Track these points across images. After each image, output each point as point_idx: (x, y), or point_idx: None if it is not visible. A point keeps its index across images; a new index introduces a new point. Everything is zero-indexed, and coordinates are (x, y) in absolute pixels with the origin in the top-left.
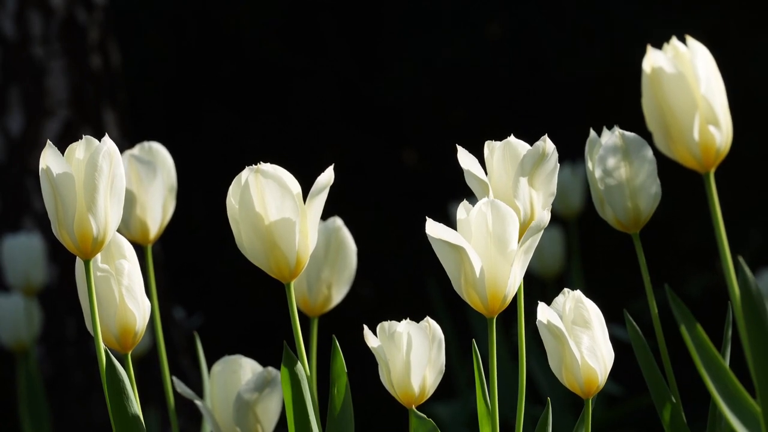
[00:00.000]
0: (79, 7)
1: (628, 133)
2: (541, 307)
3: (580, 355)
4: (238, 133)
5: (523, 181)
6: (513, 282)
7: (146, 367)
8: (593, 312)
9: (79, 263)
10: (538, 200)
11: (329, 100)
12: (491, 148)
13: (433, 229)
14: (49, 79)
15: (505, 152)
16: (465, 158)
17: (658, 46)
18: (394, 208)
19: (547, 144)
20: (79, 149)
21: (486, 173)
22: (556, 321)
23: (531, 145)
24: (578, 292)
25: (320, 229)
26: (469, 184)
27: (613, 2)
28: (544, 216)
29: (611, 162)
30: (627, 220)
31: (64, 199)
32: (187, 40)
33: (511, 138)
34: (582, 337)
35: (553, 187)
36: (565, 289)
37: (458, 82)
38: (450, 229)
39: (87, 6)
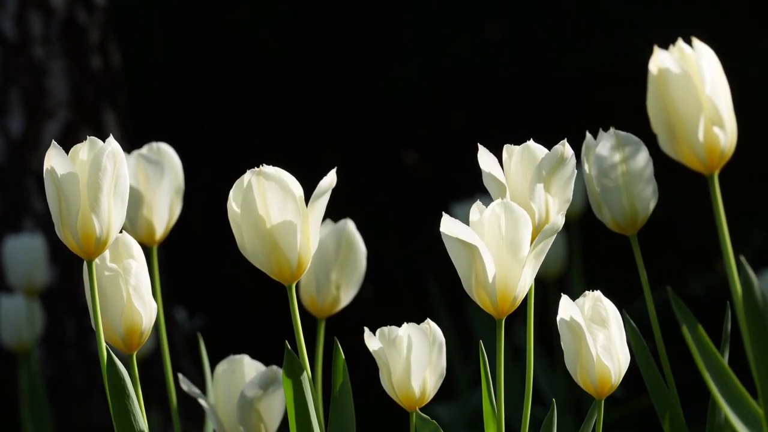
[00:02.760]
0: (80, 8)
1: (623, 134)
2: (564, 302)
3: (596, 353)
4: (240, 133)
5: (540, 185)
6: (523, 284)
7: (147, 369)
8: (611, 312)
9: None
10: (553, 205)
11: (330, 100)
12: (510, 151)
13: (448, 225)
14: (49, 80)
15: (524, 155)
16: (485, 159)
17: (659, 46)
18: (395, 209)
19: (565, 149)
20: (83, 150)
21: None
22: (578, 317)
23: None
24: (598, 292)
25: (330, 230)
26: (486, 185)
27: (613, 2)
28: (558, 220)
29: (607, 163)
30: (624, 221)
31: (68, 199)
32: (189, 41)
33: (530, 142)
34: (598, 335)
35: (570, 192)
36: (586, 291)
37: (459, 82)
38: (465, 226)
39: (87, 7)
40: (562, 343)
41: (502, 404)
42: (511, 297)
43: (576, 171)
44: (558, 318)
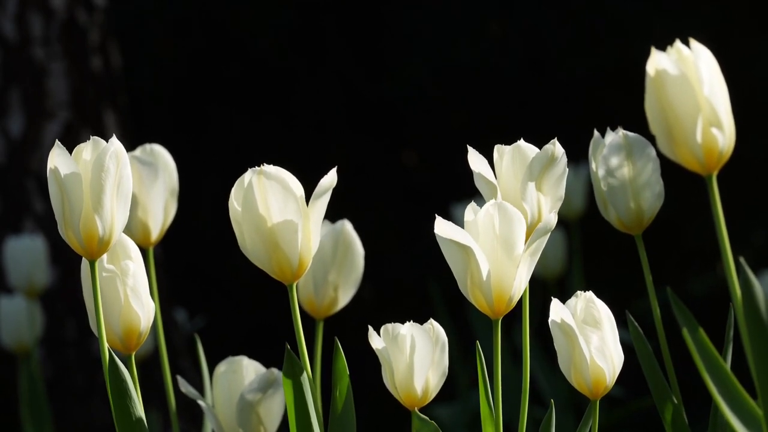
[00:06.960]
0: (80, 9)
1: (631, 134)
2: (554, 305)
3: (589, 355)
4: (242, 134)
5: (531, 184)
6: (519, 284)
7: (147, 369)
8: (604, 312)
9: (85, 264)
10: (545, 204)
11: (332, 101)
12: (500, 151)
13: (442, 228)
14: (49, 81)
15: (515, 155)
16: (475, 160)
17: (661, 47)
18: (395, 209)
19: (556, 148)
20: (86, 150)
21: (495, 176)
22: (569, 319)
23: (537, 146)
24: (590, 293)
25: (328, 231)
26: (477, 186)
27: (616, 3)
28: (550, 219)
29: (614, 162)
30: (630, 221)
31: (71, 199)
32: (191, 42)
33: (521, 142)
34: (591, 337)
35: (562, 191)
36: (578, 291)
37: (459, 83)
38: (458, 228)
39: (87, 7)
40: (555, 345)
41: (500, 405)
42: (507, 297)
43: (567, 169)
44: (549, 320)
